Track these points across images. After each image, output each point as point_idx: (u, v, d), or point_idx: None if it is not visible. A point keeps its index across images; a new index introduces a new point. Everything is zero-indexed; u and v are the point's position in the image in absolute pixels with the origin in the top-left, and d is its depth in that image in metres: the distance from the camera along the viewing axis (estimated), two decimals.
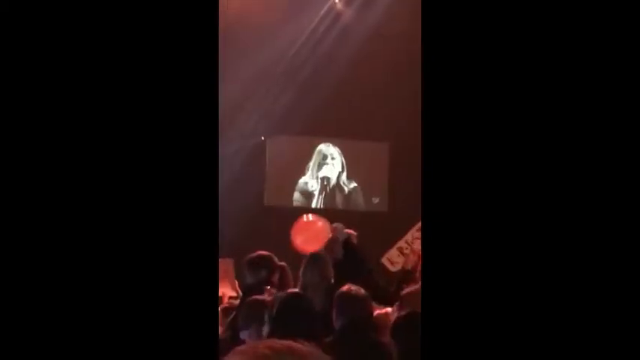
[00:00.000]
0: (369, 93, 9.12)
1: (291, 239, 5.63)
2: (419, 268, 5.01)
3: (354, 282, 4.24)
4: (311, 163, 9.74)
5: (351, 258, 5.13)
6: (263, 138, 9.47)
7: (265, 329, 3.93)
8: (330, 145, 9.76)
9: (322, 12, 9.04)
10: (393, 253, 6.56)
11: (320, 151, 9.75)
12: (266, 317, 3.95)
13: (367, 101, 9.17)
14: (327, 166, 9.74)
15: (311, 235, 5.54)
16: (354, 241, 5.35)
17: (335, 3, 9.08)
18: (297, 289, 4.84)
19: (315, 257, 4.97)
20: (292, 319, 3.82)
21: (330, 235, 5.32)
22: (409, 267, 5.36)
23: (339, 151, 9.81)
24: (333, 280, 4.75)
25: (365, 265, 5.22)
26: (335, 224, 5.39)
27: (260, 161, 9.50)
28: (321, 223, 5.72)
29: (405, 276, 5.27)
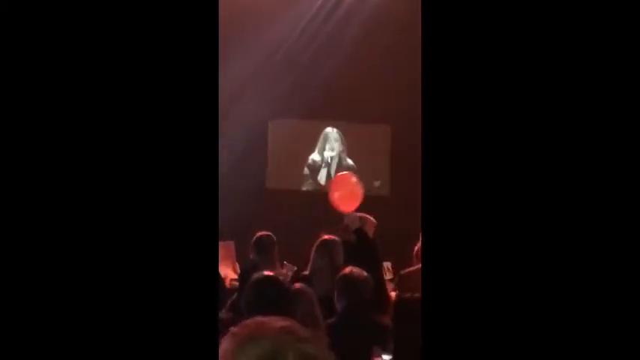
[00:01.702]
0: (371, 76, 9.10)
1: (329, 195, 5.58)
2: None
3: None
4: (316, 147, 9.74)
5: (363, 245, 5.13)
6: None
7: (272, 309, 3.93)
8: (334, 129, 9.75)
9: None
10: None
11: (324, 135, 9.75)
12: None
13: (369, 84, 9.15)
14: (331, 150, 9.74)
15: (347, 191, 5.49)
16: (370, 229, 5.34)
17: None
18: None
19: (326, 242, 4.97)
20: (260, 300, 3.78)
21: (346, 219, 5.31)
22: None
23: (342, 135, 9.80)
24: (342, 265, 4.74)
25: (376, 254, 5.23)
26: (350, 213, 5.34)
27: (262, 144, 9.49)
28: (355, 179, 5.69)
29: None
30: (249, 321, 1.54)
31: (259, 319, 1.53)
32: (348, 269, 4.16)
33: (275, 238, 5.39)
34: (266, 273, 4.02)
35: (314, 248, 4.96)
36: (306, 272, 4.91)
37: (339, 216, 5.66)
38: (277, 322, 1.51)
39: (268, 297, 3.64)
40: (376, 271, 4.73)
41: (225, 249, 7.14)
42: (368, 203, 8.73)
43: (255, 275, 4.01)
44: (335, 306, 4.03)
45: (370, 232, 5.40)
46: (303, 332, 1.49)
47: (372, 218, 5.50)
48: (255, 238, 5.38)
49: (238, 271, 6.71)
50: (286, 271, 5.04)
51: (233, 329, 1.52)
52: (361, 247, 5.08)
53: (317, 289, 4.36)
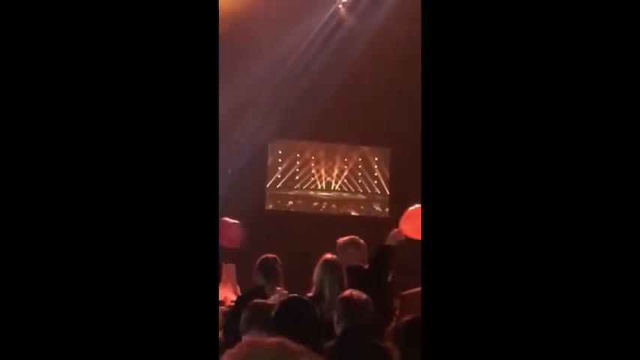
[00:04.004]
0: (371, 98, 9.14)
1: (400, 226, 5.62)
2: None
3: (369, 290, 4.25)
4: (313, 169, 9.75)
5: (378, 267, 5.16)
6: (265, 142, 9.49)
7: (266, 332, 3.92)
8: (333, 150, 9.77)
9: (325, 17, 9.07)
10: None
11: (322, 157, 9.77)
12: (267, 320, 3.94)
13: (369, 106, 9.19)
14: (329, 172, 9.75)
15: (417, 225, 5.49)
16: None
17: (338, 8, 9.11)
18: (295, 295, 4.82)
19: (332, 262, 4.87)
20: (292, 323, 3.81)
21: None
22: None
23: (342, 157, 9.82)
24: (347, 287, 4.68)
25: (386, 277, 5.23)
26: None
27: (262, 165, 9.51)
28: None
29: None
30: (244, 341, 1.60)
31: (251, 338, 1.60)
32: (347, 292, 4.14)
33: (280, 261, 5.36)
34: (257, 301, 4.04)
35: (318, 268, 4.88)
36: (310, 294, 4.84)
37: (340, 237, 5.63)
38: (269, 339, 1.57)
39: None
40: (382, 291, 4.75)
41: (226, 272, 7.13)
42: (368, 224, 8.74)
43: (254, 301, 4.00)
44: (334, 328, 4.01)
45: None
46: (296, 347, 1.53)
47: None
48: (260, 260, 5.35)
49: (239, 293, 6.71)
50: (279, 296, 4.93)
51: (230, 350, 1.56)
52: (378, 263, 5.16)
53: (327, 310, 4.31)
